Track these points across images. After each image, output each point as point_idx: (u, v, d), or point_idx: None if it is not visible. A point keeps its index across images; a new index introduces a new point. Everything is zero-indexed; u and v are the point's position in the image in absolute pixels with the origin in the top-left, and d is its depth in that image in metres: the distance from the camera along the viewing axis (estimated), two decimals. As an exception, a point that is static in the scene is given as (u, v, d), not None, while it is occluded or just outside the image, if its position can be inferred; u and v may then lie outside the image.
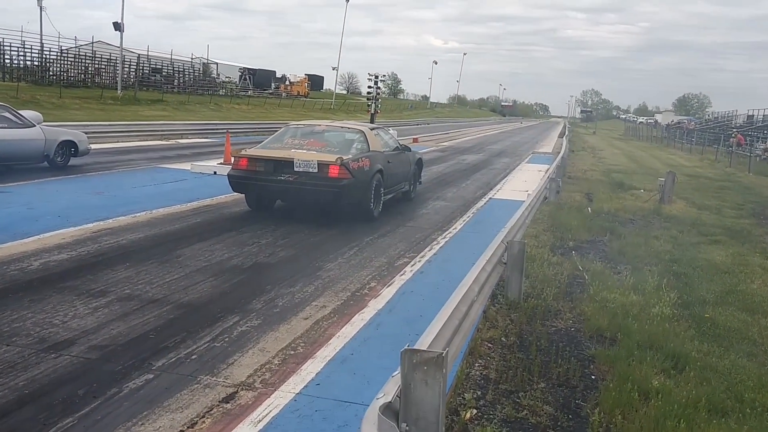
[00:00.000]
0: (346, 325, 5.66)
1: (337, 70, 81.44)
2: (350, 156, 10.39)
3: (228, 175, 10.67)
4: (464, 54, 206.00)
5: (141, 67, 58.87)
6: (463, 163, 23.27)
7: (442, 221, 11.30)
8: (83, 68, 51.85)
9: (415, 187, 14.20)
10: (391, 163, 11.76)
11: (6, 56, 46.20)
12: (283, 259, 7.81)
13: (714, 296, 7.35)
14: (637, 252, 9.64)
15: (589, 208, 13.96)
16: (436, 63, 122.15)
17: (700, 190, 19.64)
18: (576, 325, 6.28)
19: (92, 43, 56.59)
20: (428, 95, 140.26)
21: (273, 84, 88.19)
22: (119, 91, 44.96)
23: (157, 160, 17.75)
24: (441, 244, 9.27)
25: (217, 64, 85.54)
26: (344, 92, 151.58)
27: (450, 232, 10.27)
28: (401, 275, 7.41)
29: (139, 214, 9.85)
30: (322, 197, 10.11)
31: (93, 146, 20.97)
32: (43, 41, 49.46)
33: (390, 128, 28.34)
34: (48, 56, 49.09)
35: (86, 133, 23.03)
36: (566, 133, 48.41)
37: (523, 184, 17.78)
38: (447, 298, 4.65)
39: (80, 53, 52.92)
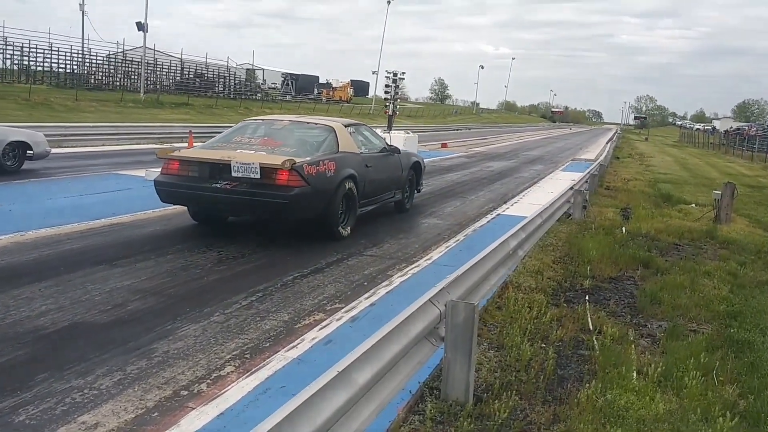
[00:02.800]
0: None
1: (377, 75, 78.93)
2: (307, 158, 8.03)
3: (154, 182, 8.42)
4: (513, 59, 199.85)
5: (184, 72, 57.97)
6: (486, 171, 20.39)
7: (419, 248, 8.54)
8: (112, 71, 50.69)
9: (412, 197, 11.64)
10: (371, 168, 9.37)
11: (30, 59, 45.11)
12: (125, 316, 5.18)
13: (801, 397, 4.43)
14: (678, 300, 6.72)
15: (624, 229, 11.01)
16: (482, 68, 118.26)
17: (765, 205, 16.36)
18: (551, 464, 3.49)
19: (124, 48, 55.19)
20: (476, 101, 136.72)
21: (316, 89, 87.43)
22: (142, 94, 43.41)
23: (124, 165, 15.40)
24: (392, 287, 6.53)
25: (263, 69, 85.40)
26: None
27: (418, 265, 7.52)
28: (289, 350, 4.69)
29: (4, 237, 7.40)
30: (266, 210, 7.94)
31: (70, 149, 19.01)
32: (87, 46, 48.65)
33: (409, 131, 25.73)
34: (75, 60, 47.97)
35: (71, 135, 21.24)
36: (614, 139, 44.82)
37: (548, 196, 14.80)
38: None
39: (110, 57, 51.69)
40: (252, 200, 7.77)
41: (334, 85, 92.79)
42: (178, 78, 56.97)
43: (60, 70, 46.78)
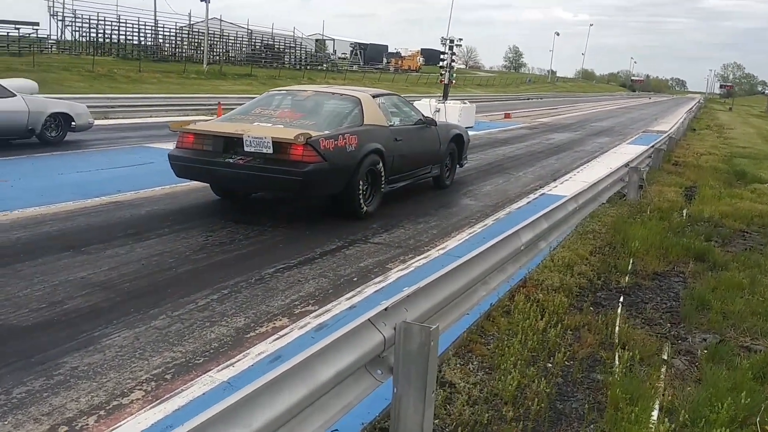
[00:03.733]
0: None
1: (445, 43, 76.95)
2: (326, 132, 7.48)
3: (168, 155, 8.03)
4: (590, 25, 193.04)
5: (253, 43, 58.26)
6: (544, 144, 19.06)
7: (437, 234, 7.60)
8: (178, 43, 50.99)
9: (453, 172, 10.90)
10: (401, 142, 8.76)
11: (99, 31, 45.70)
12: (55, 318, 4.46)
13: None
14: (731, 305, 5.58)
15: (684, 212, 9.76)
16: (557, 34, 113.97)
17: None
18: None
19: (190, 20, 55.45)
20: (553, 69, 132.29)
21: (385, 59, 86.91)
22: (205, 65, 43.40)
23: (159, 138, 14.83)
24: (385, 284, 5.64)
25: (333, 40, 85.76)
26: (462, 66, 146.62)
27: (427, 256, 6.60)
28: (222, 369, 3.88)
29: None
30: (280, 187, 7.71)
31: (115, 121, 18.77)
32: (155, 18, 49.17)
33: (467, 100, 24.50)
34: (142, 32, 48.41)
35: (120, 106, 21.09)
36: (694, 109, 42.10)
37: (606, 171, 13.55)
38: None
39: (176, 28, 51.92)
40: (264, 177, 7.30)
41: (403, 54, 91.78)
42: (246, 49, 56.98)
43: (128, 42, 47.23)
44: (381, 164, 8.26)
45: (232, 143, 7.47)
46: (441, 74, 23.77)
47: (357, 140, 7.78)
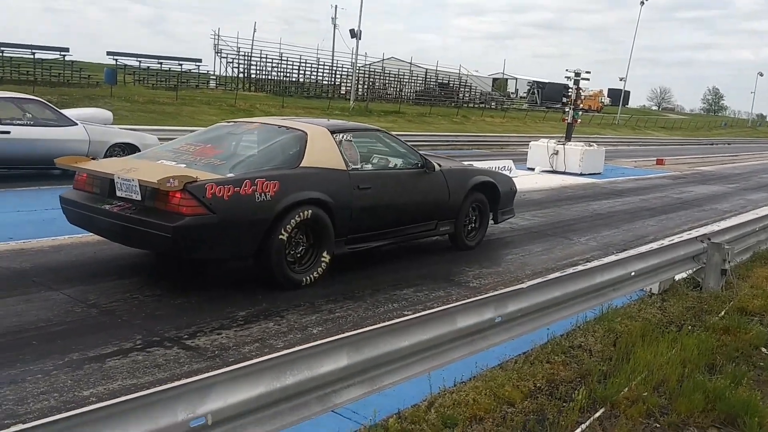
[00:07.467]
0: None
1: (624, 82, 71.97)
2: (229, 175, 5.78)
3: (60, 198, 6.60)
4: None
5: (427, 82, 58.57)
6: (669, 199, 15.37)
7: (321, 334, 5.12)
8: (338, 80, 51.66)
9: (483, 230, 8.55)
10: (370, 190, 6.78)
11: (257, 67, 47.24)
12: None
13: None
14: None
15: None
16: (761, 75, 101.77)
17: None
18: None
19: (354, 58, 56.21)
20: (759, 112, 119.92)
21: (564, 98, 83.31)
22: (351, 102, 42.96)
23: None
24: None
25: (516, 79, 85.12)
26: (655, 108, 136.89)
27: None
28: None
29: None
30: (150, 245, 6.04)
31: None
32: (317, 56, 50.64)
33: (593, 143, 21.19)
34: (300, 69, 49.46)
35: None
36: None
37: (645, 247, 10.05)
38: None
39: (336, 65, 52.59)
40: (131, 230, 5.69)
41: (584, 94, 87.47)
42: (406, 88, 56.76)
43: (284, 79, 48.35)
44: (327, 218, 6.27)
45: (112, 186, 5.95)
46: (564, 112, 20.77)
47: (277, 187, 5.87)
